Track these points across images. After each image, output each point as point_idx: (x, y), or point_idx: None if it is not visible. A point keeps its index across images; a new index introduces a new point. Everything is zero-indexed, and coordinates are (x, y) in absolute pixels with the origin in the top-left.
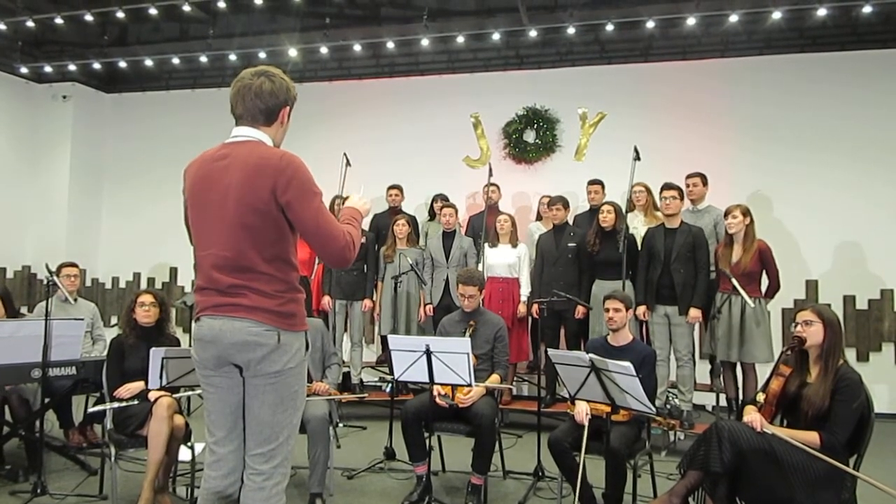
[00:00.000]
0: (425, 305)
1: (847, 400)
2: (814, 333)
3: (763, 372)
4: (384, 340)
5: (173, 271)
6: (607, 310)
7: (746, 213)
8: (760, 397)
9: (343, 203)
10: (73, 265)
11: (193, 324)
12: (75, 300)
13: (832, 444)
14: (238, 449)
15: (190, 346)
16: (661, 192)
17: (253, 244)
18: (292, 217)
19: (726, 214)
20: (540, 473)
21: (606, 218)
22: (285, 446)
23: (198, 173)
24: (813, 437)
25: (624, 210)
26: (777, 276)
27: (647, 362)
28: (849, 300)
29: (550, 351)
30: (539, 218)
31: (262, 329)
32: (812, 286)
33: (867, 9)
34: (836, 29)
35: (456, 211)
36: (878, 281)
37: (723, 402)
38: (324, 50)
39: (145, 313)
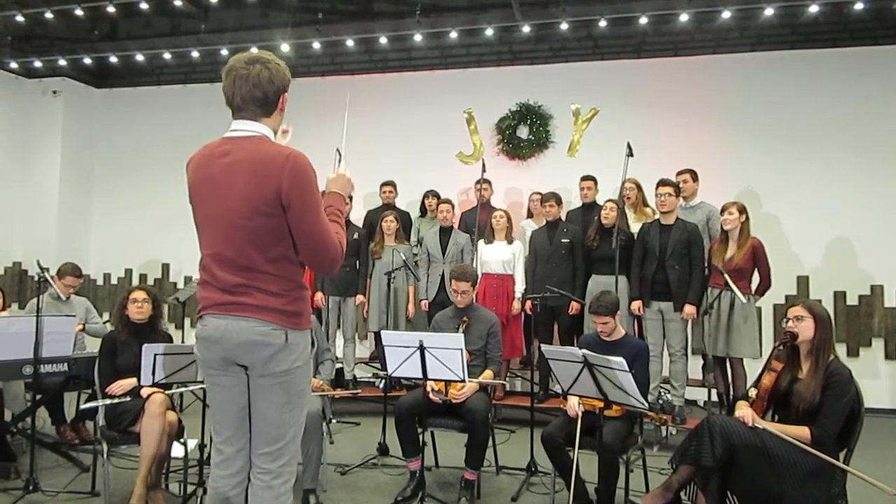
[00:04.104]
0: (419, 301)
1: (837, 395)
2: (805, 329)
3: (753, 367)
4: (377, 336)
5: (165, 267)
6: (596, 323)
7: (742, 210)
8: (752, 392)
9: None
10: (77, 275)
11: (197, 322)
12: (67, 298)
13: (822, 438)
14: (245, 448)
15: (183, 342)
16: (656, 189)
17: (257, 245)
18: (291, 220)
19: (722, 211)
20: (533, 468)
21: (609, 215)
22: (292, 445)
23: (200, 171)
24: (804, 431)
25: None
26: (769, 274)
27: (640, 357)
28: (839, 296)
29: (544, 347)
30: (530, 215)
31: (269, 328)
32: (803, 282)
33: (859, 5)
34: (827, 25)
35: (452, 207)
36: (868, 277)
37: (714, 398)
38: (316, 45)
39: (138, 310)
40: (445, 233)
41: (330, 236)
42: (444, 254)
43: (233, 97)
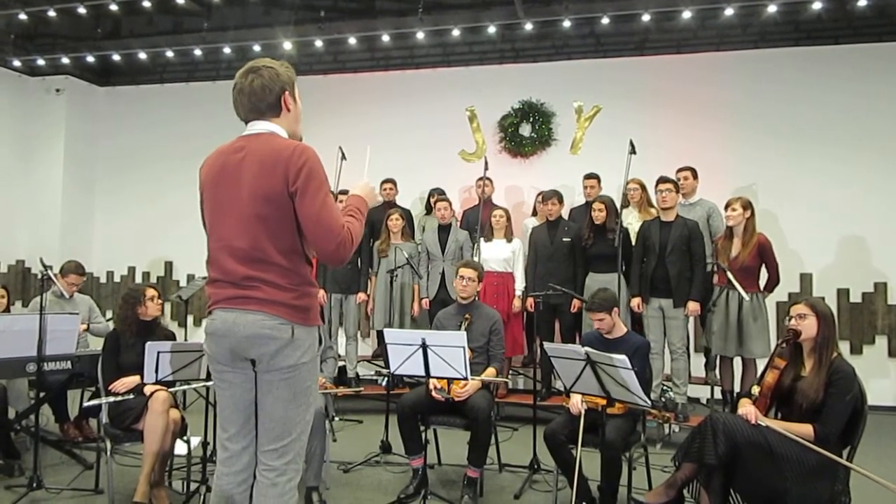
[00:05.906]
0: (421, 299)
1: (840, 392)
2: (808, 327)
3: (761, 364)
4: (380, 334)
5: (168, 265)
6: (592, 320)
7: (747, 206)
8: (755, 390)
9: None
10: (80, 273)
11: (206, 317)
12: (71, 296)
13: (826, 436)
14: (250, 446)
15: (185, 340)
16: (656, 186)
17: (268, 236)
18: (297, 206)
19: (726, 207)
20: (536, 466)
21: (598, 216)
22: (298, 442)
23: (213, 166)
24: (807, 429)
25: (619, 205)
26: (777, 269)
27: (641, 353)
28: (843, 293)
29: (546, 344)
30: (535, 214)
31: (276, 322)
32: (806, 279)
33: (862, 2)
34: (831, 22)
35: (450, 204)
36: (872, 274)
37: (717, 395)
38: (318, 43)
39: (157, 306)
40: (444, 230)
41: (336, 218)
42: (443, 251)
43: (238, 111)
